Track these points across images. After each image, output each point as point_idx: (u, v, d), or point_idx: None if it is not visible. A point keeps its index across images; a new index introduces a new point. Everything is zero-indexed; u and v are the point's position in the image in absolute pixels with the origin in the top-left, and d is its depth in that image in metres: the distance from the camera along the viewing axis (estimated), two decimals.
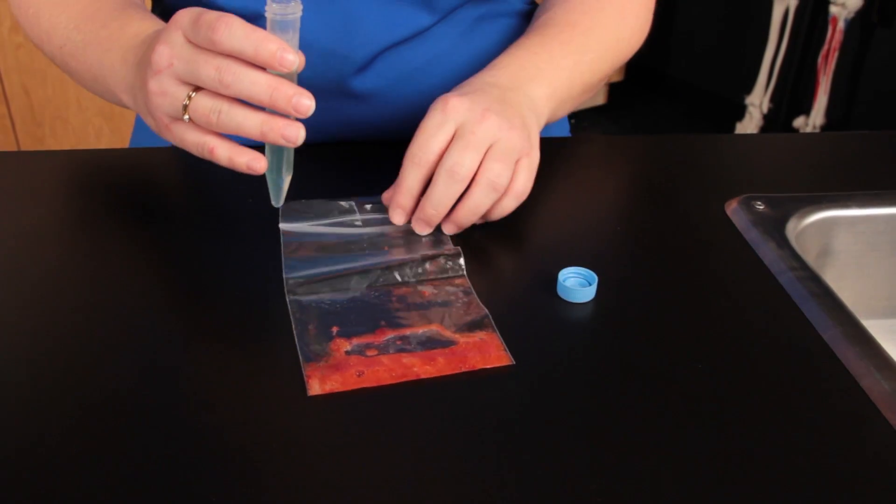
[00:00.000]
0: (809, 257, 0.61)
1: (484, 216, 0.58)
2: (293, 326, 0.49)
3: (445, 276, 0.54)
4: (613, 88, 3.09)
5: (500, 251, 0.58)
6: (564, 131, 0.85)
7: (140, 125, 0.82)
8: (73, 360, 0.46)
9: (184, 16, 0.50)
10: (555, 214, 0.63)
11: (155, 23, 0.60)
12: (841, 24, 2.35)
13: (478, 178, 0.55)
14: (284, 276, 0.53)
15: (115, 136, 2.10)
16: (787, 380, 0.47)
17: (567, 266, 0.54)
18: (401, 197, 0.57)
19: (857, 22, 2.43)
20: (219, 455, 0.40)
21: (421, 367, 0.46)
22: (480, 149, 0.55)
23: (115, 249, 0.57)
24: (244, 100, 0.49)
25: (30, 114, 1.99)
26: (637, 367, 0.47)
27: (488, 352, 0.48)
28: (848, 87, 2.53)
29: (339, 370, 0.46)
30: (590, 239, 0.59)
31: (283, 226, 0.58)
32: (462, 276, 0.54)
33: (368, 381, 0.45)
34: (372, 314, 0.51)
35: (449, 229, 0.58)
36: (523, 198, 0.58)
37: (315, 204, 0.61)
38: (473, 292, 0.53)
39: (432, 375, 0.46)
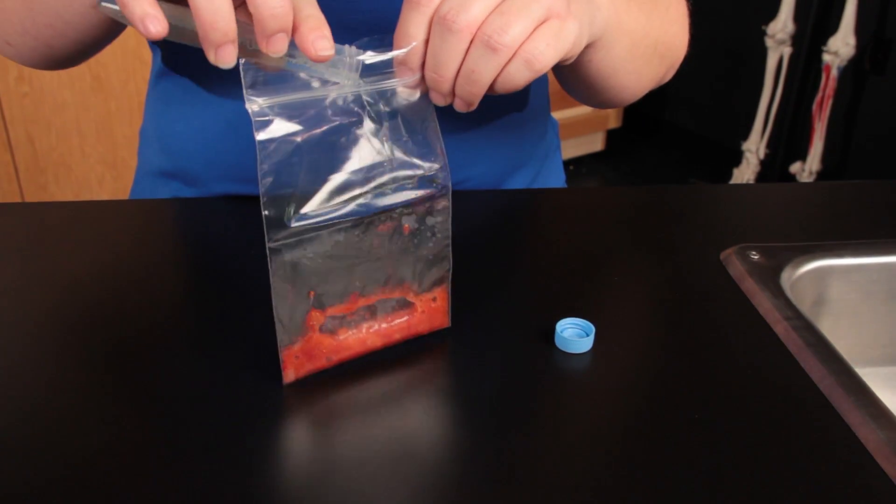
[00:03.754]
0: (804, 306, 0.62)
1: (492, 87, 0.47)
2: (272, 286, 0.46)
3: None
4: (611, 135, 3.12)
5: (497, 302, 0.58)
6: (560, 182, 0.86)
7: (140, 175, 0.82)
8: (74, 409, 0.47)
9: None
10: (552, 265, 0.64)
11: None
12: (834, 72, 2.38)
13: (475, 34, 0.45)
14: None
15: (117, 183, 2.12)
16: (783, 430, 0.47)
17: (564, 317, 0.54)
18: (402, 51, 0.46)
19: (850, 69, 2.46)
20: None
21: (376, 341, 0.52)
22: None
23: (117, 299, 0.57)
24: None
25: (34, 161, 2.01)
26: (634, 417, 0.48)
27: (435, 317, 0.53)
28: (843, 133, 2.56)
29: (311, 359, 0.49)
30: (587, 290, 0.60)
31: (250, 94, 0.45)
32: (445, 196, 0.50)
33: (337, 360, 0.50)
34: (348, 278, 0.49)
35: (458, 106, 0.48)
36: (536, 66, 0.46)
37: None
38: (449, 237, 0.51)
39: (385, 345, 0.52)
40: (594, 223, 0.71)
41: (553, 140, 0.86)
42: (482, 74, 0.45)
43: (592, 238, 0.68)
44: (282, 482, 0.42)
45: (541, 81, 0.80)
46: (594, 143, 3.09)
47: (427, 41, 0.46)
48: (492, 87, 0.47)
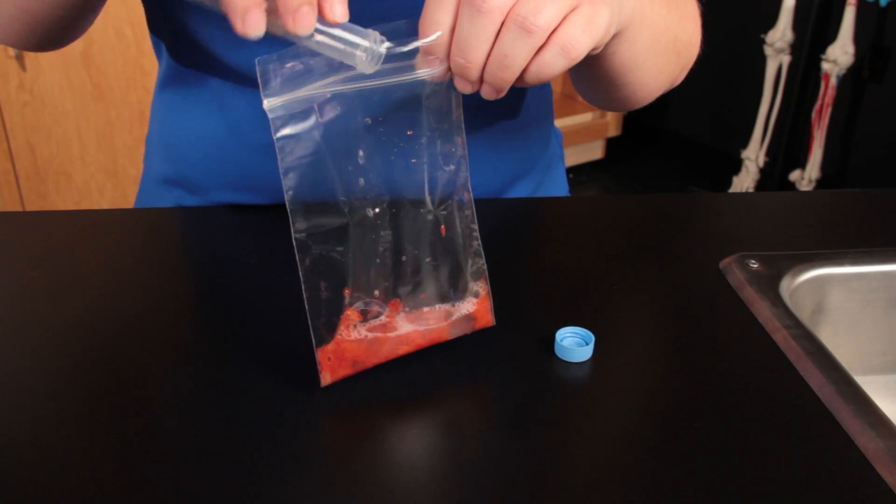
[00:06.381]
0: (804, 315, 0.62)
1: (524, 76, 0.45)
2: (302, 286, 0.46)
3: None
4: (611, 143, 3.13)
5: (497, 310, 0.58)
6: (563, 191, 0.87)
7: (146, 182, 0.83)
8: (75, 420, 0.47)
9: None
10: (551, 274, 0.64)
11: None
12: (833, 81, 2.39)
13: (507, 16, 0.43)
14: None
15: (117, 192, 2.12)
16: (782, 438, 0.47)
17: (564, 326, 0.55)
18: (428, 40, 0.44)
19: (849, 78, 2.47)
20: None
21: (408, 348, 0.50)
22: None
23: (119, 309, 0.58)
24: None
25: (34, 170, 2.01)
26: (633, 426, 0.48)
27: (480, 316, 0.52)
28: (842, 141, 2.56)
29: (342, 363, 0.48)
30: (587, 298, 0.60)
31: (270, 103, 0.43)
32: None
33: (366, 366, 0.49)
34: (384, 277, 0.48)
35: (486, 93, 0.46)
36: (573, 53, 0.44)
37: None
38: (477, 231, 0.50)
39: (416, 349, 0.51)
40: (593, 232, 0.71)
41: (556, 150, 0.86)
42: (515, 59, 0.43)
43: (591, 246, 0.69)
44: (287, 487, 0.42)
45: (544, 91, 0.80)
46: (594, 152, 3.10)
47: (453, 29, 0.44)
48: (522, 76, 0.45)
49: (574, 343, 0.54)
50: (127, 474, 0.43)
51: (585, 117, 2.99)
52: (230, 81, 0.68)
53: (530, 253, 0.66)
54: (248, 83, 0.66)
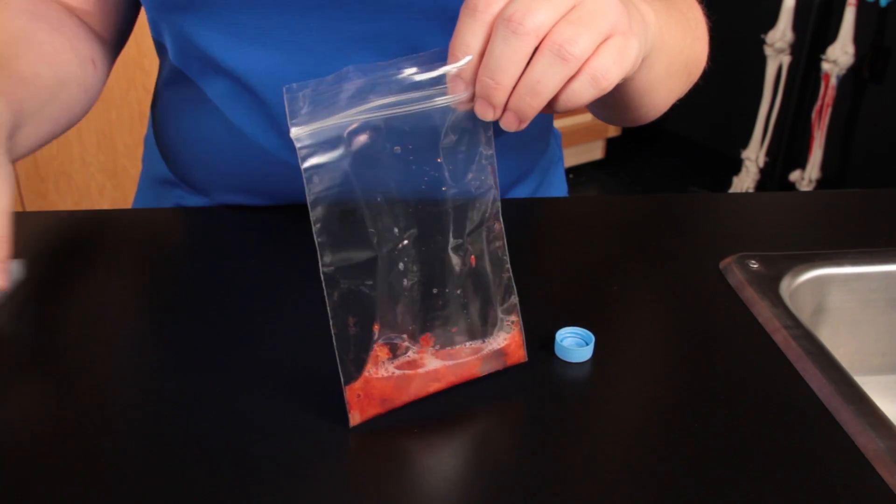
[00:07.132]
0: (804, 315, 0.62)
1: (552, 104, 0.44)
2: (330, 321, 0.45)
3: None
4: (611, 143, 3.13)
5: None
6: (563, 191, 0.87)
7: (144, 182, 0.83)
8: (74, 421, 0.47)
9: None
10: (551, 274, 0.64)
11: None
12: (833, 81, 2.39)
13: (543, 42, 0.42)
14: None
15: (117, 192, 2.12)
16: (782, 438, 0.47)
17: (564, 326, 0.55)
18: (458, 64, 0.43)
19: (849, 78, 2.47)
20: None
21: (439, 385, 0.49)
22: (557, 5, 0.42)
23: (119, 309, 0.58)
24: None
25: (34, 170, 2.01)
26: (633, 426, 0.48)
27: (512, 352, 0.50)
28: (842, 141, 2.56)
29: (371, 402, 0.47)
30: (587, 299, 0.60)
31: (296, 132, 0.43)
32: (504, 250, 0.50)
33: (395, 404, 0.48)
34: (415, 312, 0.47)
35: (508, 121, 0.44)
36: (602, 84, 0.43)
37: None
38: (509, 263, 0.50)
39: (448, 386, 0.49)
40: (593, 232, 0.71)
41: (556, 151, 0.86)
42: (547, 85, 0.42)
43: (592, 247, 0.69)
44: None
45: None
46: (594, 152, 3.10)
47: (483, 54, 0.42)
48: (550, 103, 0.44)
49: (574, 343, 0.54)
50: (126, 476, 0.43)
51: (585, 117, 2.99)
52: (230, 84, 0.68)
53: (530, 253, 0.66)
54: (248, 86, 0.66)
